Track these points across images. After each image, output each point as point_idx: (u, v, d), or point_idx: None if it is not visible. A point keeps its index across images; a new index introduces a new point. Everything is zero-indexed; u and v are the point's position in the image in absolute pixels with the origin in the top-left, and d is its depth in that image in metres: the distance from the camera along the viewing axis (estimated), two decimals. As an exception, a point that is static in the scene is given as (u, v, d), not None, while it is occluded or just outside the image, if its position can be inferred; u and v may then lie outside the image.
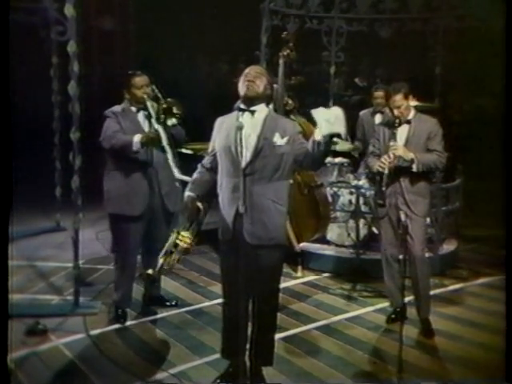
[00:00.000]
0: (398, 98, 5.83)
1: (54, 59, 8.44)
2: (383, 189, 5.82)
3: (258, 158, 4.57)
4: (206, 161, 4.90)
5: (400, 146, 5.79)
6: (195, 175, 4.94)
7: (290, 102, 7.51)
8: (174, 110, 5.80)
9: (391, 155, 5.73)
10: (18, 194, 4.52)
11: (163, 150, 5.85)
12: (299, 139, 4.65)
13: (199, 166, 4.95)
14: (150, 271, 5.08)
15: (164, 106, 5.79)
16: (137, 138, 5.83)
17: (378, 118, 8.14)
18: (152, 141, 5.84)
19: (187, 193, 4.87)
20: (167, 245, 4.89)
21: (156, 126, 5.85)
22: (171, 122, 5.80)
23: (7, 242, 4.14)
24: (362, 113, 8.67)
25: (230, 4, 12.13)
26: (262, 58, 8.99)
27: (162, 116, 5.78)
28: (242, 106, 4.67)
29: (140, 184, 5.96)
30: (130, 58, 13.08)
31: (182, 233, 4.87)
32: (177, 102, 5.83)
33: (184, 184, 6.43)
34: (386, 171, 5.75)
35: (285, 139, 4.60)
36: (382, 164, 5.77)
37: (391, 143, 5.80)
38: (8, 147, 4.17)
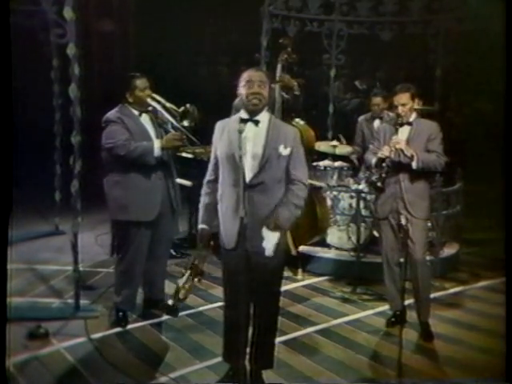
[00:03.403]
0: (405, 97, 5.86)
1: (55, 62, 8.42)
2: (383, 175, 5.83)
3: (264, 168, 4.56)
4: (211, 172, 4.81)
5: (402, 139, 5.83)
6: (204, 199, 4.83)
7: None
8: (191, 112, 5.92)
9: (392, 148, 5.77)
10: (17, 198, 4.51)
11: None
12: (297, 152, 4.68)
13: (204, 184, 4.85)
14: (169, 302, 5.12)
15: (182, 108, 5.96)
16: (157, 143, 5.86)
17: (376, 124, 8.17)
18: (173, 143, 5.90)
19: (201, 226, 4.78)
20: (182, 279, 4.92)
21: (171, 127, 6.02)
22: (187, 122, 5.90)
23: (6, 246, 4.14)
24: (360, 118, 8.70)
25: (229, 7, 12.13)
26: (262, 61, 9.00)
27: (178, 118, 5.88)
28: (245, 117, 4.63)
29: (156, 189, 5.95)
30: (130, 61, 13.07)
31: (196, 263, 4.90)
32: (192, 106, 6.00)
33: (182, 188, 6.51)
34: (388, 161, 5.80)
35: (288, 149, 4.60)
36: (382, 154, 5.81)
37: (393, 137, 5.84)
38: (8, 150, 4.18)
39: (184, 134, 6.01)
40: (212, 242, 4.80)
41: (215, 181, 4.77)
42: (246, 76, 4.64)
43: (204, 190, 4.86)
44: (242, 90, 4.64)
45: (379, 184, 5.88)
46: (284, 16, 9.36)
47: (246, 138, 4.55)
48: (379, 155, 5.84)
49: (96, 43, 13.12)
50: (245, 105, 4.65)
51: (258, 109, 4.60)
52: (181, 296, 4.97)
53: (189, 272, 4.91)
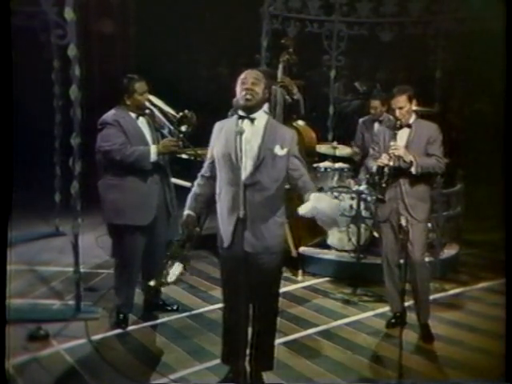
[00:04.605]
0: (402, 100, 5.83)
1: (55, 63, 8.41)
2: (383, 185, 5.83)
3: (259, 168, 4.57)
4: (206, 169, 4.85)
5: (400, 146, 5.81)
6: (195, 189, 4.86)
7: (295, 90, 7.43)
8: (189, 118, 5.90)
9: (391, 154, 5.76)
10: (17, 199, 4.51)
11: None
12: (295, 153, 4.69)
13: (199, 176, 4.89)
14: (151, 283, 5.09)
15: (180, 114, 5.91)
16: (154, 149, 5.85)
17: (376, 127, 8.16)
18: (169, 149, 5.89)
19: (187, 211, 4.80)
20: (167, 258, 4.90)
21: (168, 131, 6.01)
22: (185, 128, 5.89)
23: (6, 247, 4.14)
24: (361, 120, 8.69)
25: (229, 8, 12.12)
26: (262, 62, 9.00)
27: (176, 123, 5.86)
28: (242, 113, 4.66)
29: (152, 193, 5.94)
30: (130, 62, 13.06)
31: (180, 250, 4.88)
32: (191, 111, 5.96)
33: (179, 188, 6.50)
34: (386, 169, 5.78)
35: (285, 150, 4.62)
36: (381, 162, 5.79)
37: (392, 143, 5.82)
38: (8, 152, 4.18)
39: (180, 139, 5.99)
40: (197, 229, 4.80)
41: (210, 177, 4.79)
42: (242, 75, 4.68)
43: (197, 181, 4.89)
44: (237, 87, 4.67)
45: (381, 196, 5.87)
46: (284, 17, 9.38)
47: (244, 139, 4.55)
48: (379, 163, 5.84)
49: (97, 44, 13.11)
50: (239, 101, 4.67)
51: (250, 104, 4.61)
52: (163, 279, 4.93)
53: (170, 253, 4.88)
